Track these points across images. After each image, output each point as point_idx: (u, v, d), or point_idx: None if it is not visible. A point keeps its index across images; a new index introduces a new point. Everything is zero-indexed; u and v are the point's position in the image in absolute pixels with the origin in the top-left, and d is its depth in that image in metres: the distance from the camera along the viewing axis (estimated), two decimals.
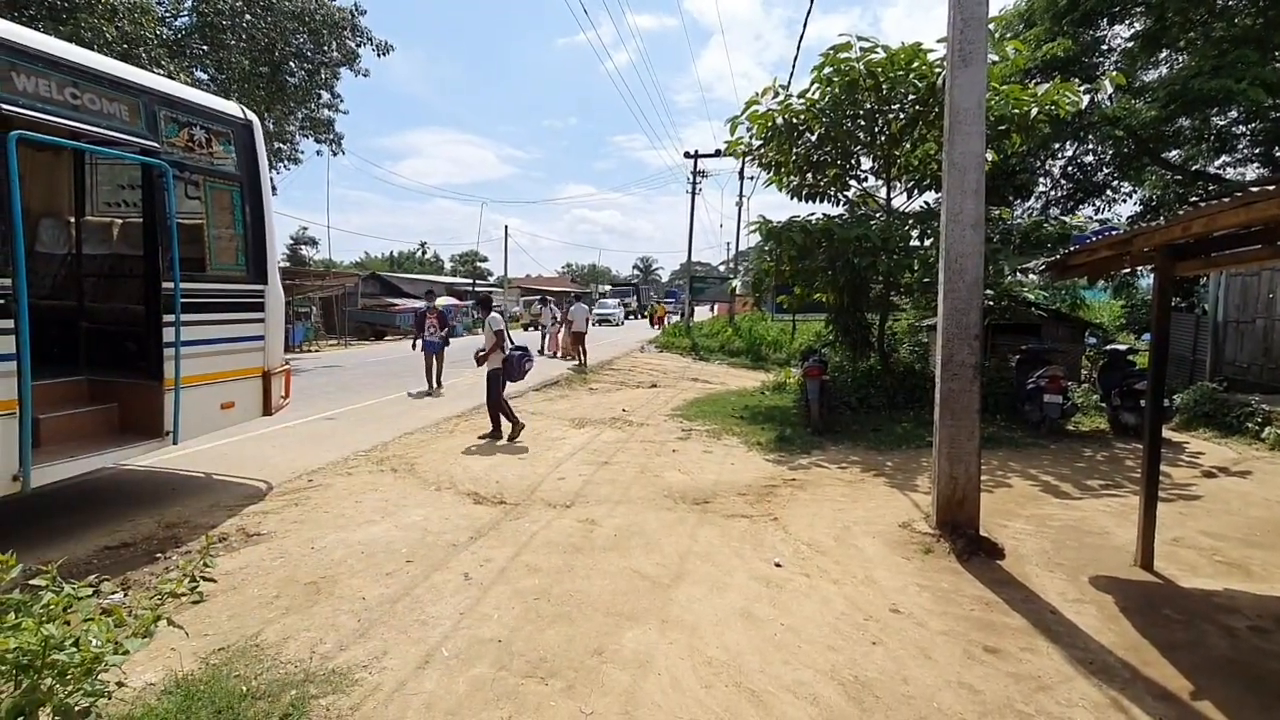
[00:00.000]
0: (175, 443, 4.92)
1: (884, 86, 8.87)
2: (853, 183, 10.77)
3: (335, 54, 17.02)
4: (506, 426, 7.90)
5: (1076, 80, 10.14)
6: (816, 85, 9.29)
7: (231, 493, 5.60)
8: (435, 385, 11.56)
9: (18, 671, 1.95)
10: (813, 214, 9.72)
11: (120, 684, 2.28)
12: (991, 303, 9.88)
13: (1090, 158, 16.87)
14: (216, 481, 5.96)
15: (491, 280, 56.38)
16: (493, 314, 8.05)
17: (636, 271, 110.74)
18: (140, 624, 2.23)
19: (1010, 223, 10.14)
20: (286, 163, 18.87)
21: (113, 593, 3.45)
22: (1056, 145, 15.37)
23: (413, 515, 5.06)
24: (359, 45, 17.36)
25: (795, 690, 2.92)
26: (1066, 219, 10.08)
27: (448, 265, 74.51)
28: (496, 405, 7.81)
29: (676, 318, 38.47)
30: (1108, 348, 10.08)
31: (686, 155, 26.97)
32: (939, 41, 8.11)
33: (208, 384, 5.10)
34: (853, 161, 10.37)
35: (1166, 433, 8.11)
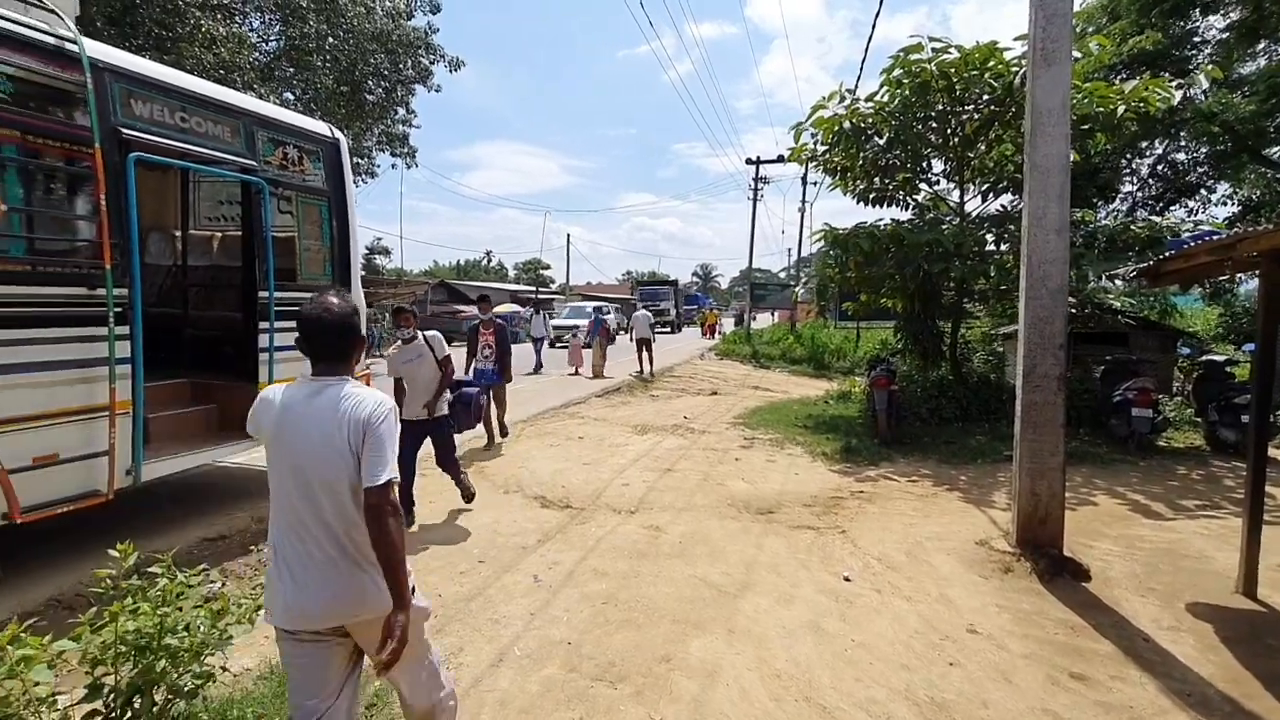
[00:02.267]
0: None
1: (957, 87, 8.58)
2: (923, 186, 10.45)
3: (410, 72, 17.81)
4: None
5: (1166, 75, 9.55)
6: (885, 88, 9.08)
7: None
8: (499, 434, 8.12)
9: (136, 652, 2.12)
10: (881, 219, 9.49)
11: (223, 668, 2.44)
12: (1074, 310, 9.38)
13: (1182, 155, 15.84)
14: None
15: (554, 287, 57.37)
16: (433, 331, 5.20)
17: (696, 278, 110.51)
18: (243, 612, 2.40)
19: (1094, 225, 9.61)
20: (364, 176, 19.84)
21: (214, 581, 3.70)
22: (1145, 143, 14.50)
23: (483, 517, 5.21)
24: (432, 63, 18.11)
25: (868, 709, 2.86)
26: (1156, 220, 9.48)
27: (511, 273, 76.43)
28: (451, 463, 5.27)
29: (731, 324, 37.71)
30: (1204, 358, 9.38)
31: (748, 162, 26.79)
32: (1016, 39, 7.81)
33: None
34: (923, 164, 10.07)
35: (1271, 451, 7.49)
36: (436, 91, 18.87)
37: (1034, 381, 4.48)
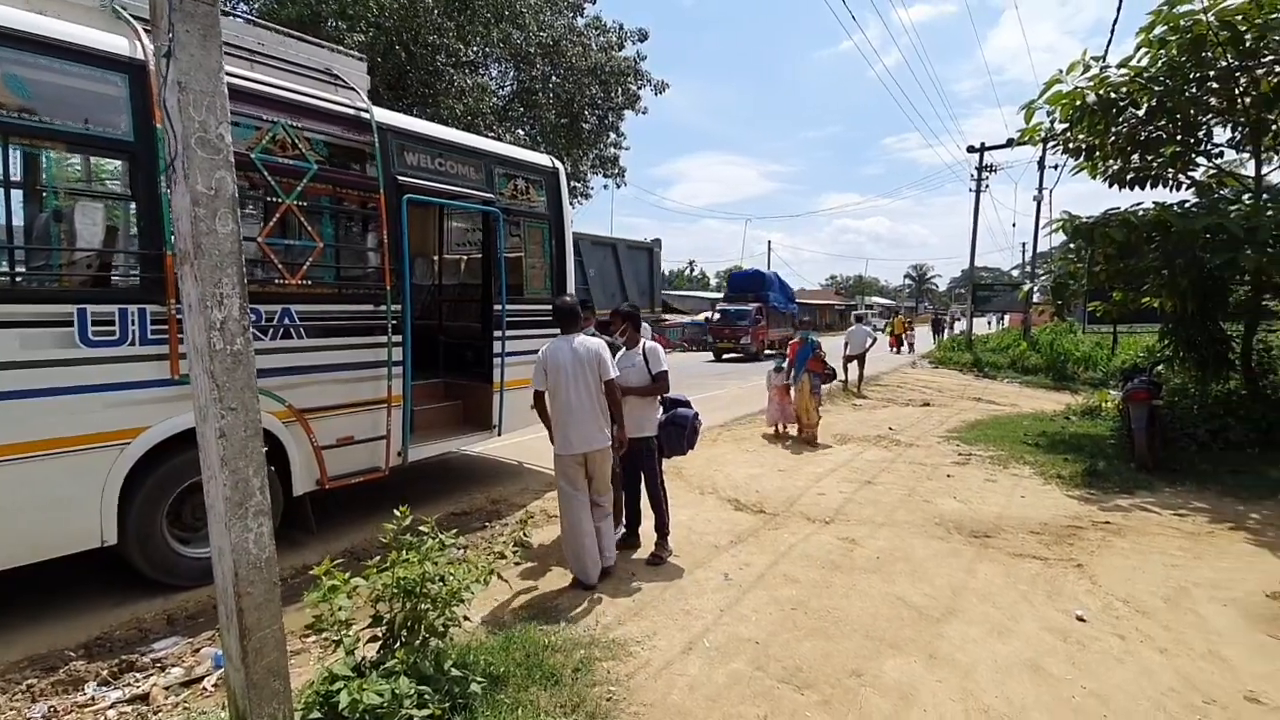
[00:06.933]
0: (499, 434, 6.07)
1: (1248, 38, 7.00)
2: (1201, 160, 8.67)
3: (620, 99, 19.12)
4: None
5: None
6: (1144, 50, 7.73)
7: (537, 479, 6.66)
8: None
9: (405, 594, 2.66)
10: (1140, 204, 8.07)
11: (466, 618, 2.93)
12: None
13: None
14: (526, 469, 7.14)
15: None
16: (652, 343, 4.65)
17: (909, 281, 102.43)
18: (479, 573, 2.86)
19: None
20: (579, 199, 21.69)
21: (461, 547, 4.41)
22: None
23: (679, 515, 5.45)
24: (639, 88, 19.26)
25: None
26: None
27: (714, 281, 77.62)
28: (659, 491, 4.57)
29: (927, 334, 32.37)
30: None
31: (970, 150, 24.21)
32: None
33: (523, 387, 6.16)
34: (1200, 135, 8.35)
35: None
36: (643, 114, 20.00)
37: None
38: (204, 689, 3.04)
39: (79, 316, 3.44)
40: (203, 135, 2.02)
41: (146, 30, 3.74)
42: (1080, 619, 3.74)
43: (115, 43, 3.60)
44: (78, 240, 3.75)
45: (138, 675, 3.17)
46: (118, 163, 4.05)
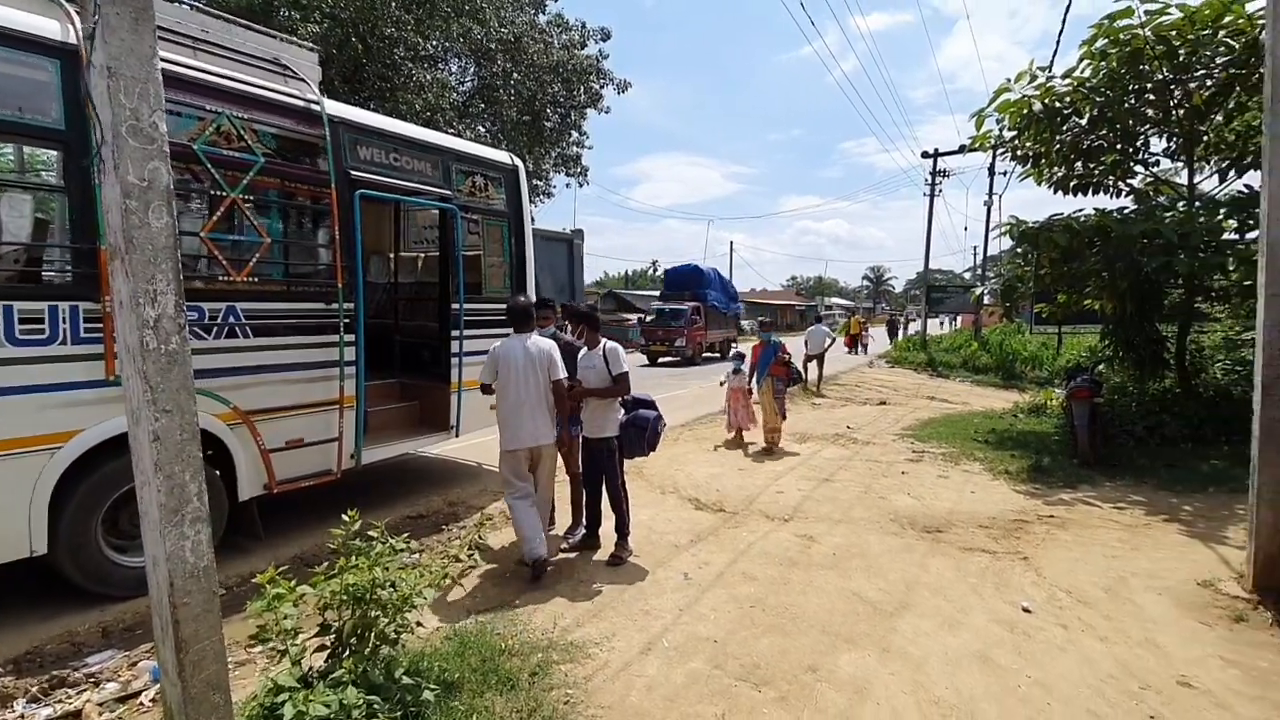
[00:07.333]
0: (457, 435, 5.97)
1: (1181, 52, 7.36)
2: (1139, 169, 9.07)
3: (583, 97, 19.04)
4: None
5: None
6: (1086, 61, 8.05)
7: (496, 481, 6.53)
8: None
9: (355, 601, 2.58)
10: (1082, 210, 8.41)
11: (419, 624, 2.86)
12: None
13: None
14: (485, 471, 7.04)
15: None
16: (612, 344, 4.53)
17: (867, 283, 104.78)
18: (433, 577, 2.80)
19: None
20: (541, 197, 21.52)
21: (414, 551, 4.33)
22: None
23: (640, 515, 5.44)
24: (602, 86, 19.21)
25: None
26: None
27: None
28: (619, 492, 4.56)
29: (880, 334, 32.86)
30: None
31: (924, 155, 24.95)
32: None
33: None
34: (1138, 144, 8.75)
35: None
36: (606, 113, 19.96)
37: (1276, 396, 3.75)
38: (141, 704, 2.90)
39: (4, 314, 3.25)
40: (134, 124, 1.93)
41: (79, 13, 3.57)
42: (1026, 610, 3.86)
43: (45, 26, 3.42)
44: (2, 234, 3.54)
45: (70, 691, 3.01)
46: (49, 152, 3.83)
